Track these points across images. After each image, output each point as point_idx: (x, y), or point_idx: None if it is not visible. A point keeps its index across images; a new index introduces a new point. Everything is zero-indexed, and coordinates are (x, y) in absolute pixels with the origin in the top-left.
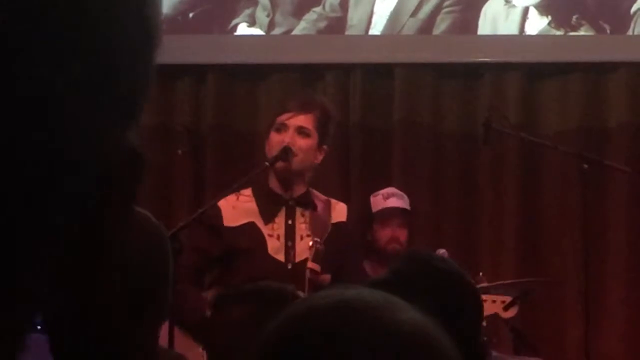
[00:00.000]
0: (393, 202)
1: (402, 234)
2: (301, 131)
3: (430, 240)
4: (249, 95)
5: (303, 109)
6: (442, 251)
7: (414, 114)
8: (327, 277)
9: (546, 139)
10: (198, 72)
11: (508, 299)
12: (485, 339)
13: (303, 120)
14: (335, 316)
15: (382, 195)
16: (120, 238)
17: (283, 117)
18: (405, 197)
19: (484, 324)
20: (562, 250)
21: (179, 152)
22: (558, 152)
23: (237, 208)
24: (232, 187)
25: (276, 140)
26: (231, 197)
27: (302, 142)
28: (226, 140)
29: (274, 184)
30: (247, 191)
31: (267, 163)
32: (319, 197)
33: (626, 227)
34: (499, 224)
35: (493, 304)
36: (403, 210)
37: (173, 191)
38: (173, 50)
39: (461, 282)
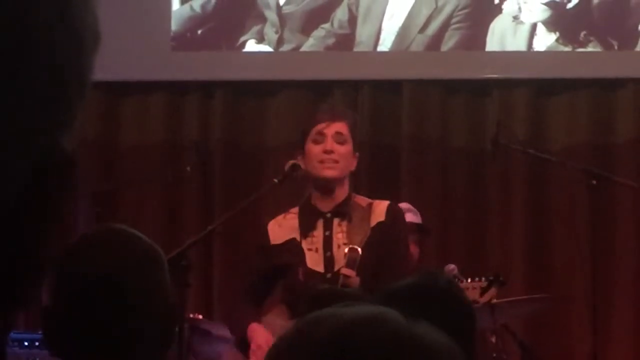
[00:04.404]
0: (409, 218)
1: (415, 251)
2: (339, 138)
3: (438, 255)
4: (257, 111)
5: (336, 117)
6: (451, 267)
7: (422, 130)
8: (356, 280)
9: (554, 154)
10: (206, 88)
11: (484, 283)
12: (494, 355)
13: (339, 126)
14: (363, 331)
15: None
16: (46, 242)
17: (319, 127)
18: (419, 214)
19: (493, 340)
20: (570, 266)
21: (188, 168)
22: (566, 168)
23: (282, 226)
24: (239, 206)
25: (315, 151)
26: (280, 217)
27: (341, 149)
28: (234, 156)
29: (315, 198)
30: (295, 209)
31: (275, 180)
32: (360, 202)
33: (634, 243)
34: (507, 239)
35: (472, 291)
36: (417, 226)
37: (182, 207)
38: (181, 66)
39: (460, 303)
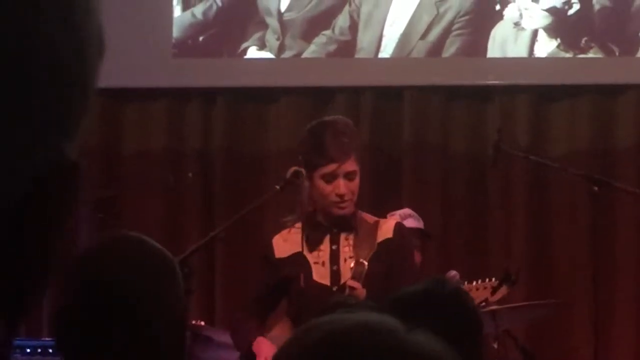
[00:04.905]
0: (410, 223)
1: (418, 256)
2: (350, 176)
3: (440, 261)
4: (258, 118)
5: (346, 155)
6: (452, 273)
7: (424, 136)
8: (362, 291)
9: (555, 161)
10: (208, 95)
11: (495, 283)
12: None
13: (349, 165)
14: (358, 339)
15: (399, 215)
16: (49, 248)
17: (329, 169)
18: (421, 219)
19: (495, 345)
20: (572, 271)
21: (190, 175)
22: (567, 173)
23: (287, 240)
24: (241, 213)
25: (327, 191)
26: (284, 231)
27: (352, 186)
28: (236, 162)
29: (321, 217)
30: (299, 224)
31: (277, 187)
32: (367, 218)
33: (636, 249)
34: (508, 246)
35: (483, 291)
36: (419, 231)
37: (184, 214)
38: (183, 73)
39: (465, 308)
